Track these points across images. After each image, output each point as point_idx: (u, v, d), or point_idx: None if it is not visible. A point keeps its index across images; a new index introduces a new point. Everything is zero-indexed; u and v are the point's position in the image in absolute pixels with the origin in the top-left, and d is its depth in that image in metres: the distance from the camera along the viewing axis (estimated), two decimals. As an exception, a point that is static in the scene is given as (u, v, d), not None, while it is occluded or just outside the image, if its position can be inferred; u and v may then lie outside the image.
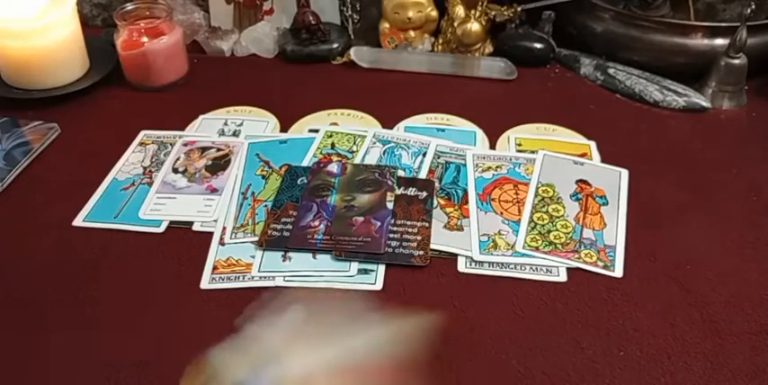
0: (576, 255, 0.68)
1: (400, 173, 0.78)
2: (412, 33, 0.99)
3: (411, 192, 0.75)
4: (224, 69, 0.99)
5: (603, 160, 0.80)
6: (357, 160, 0.80)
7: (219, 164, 0.80)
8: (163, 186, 0.77)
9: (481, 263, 0.68)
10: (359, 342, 0.41)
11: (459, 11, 0.97)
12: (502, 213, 0.73)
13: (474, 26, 0.95)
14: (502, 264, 0.68)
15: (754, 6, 0.98)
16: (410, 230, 0.70)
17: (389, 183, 0.76)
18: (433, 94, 0.93)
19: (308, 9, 0.98)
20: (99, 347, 0.61)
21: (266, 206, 0.74)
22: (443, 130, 0.85)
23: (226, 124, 0.87)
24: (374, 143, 0.83)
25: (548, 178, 0.77)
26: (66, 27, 0.90)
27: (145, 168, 0.80)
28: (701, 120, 0.88)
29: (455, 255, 0.69)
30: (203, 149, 0.82)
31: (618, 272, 0.67)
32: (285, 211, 0.73)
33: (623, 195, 0.75)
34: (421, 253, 0.68)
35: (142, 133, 0.86)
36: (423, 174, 0.78)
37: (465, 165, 0.79)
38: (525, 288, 0.66)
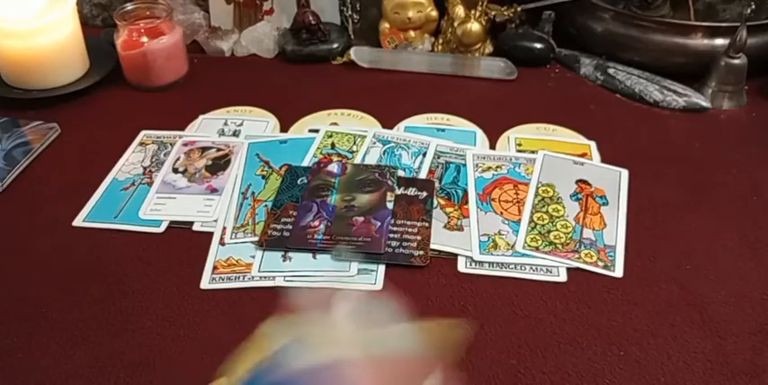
0: (576, 255, 0.68)
1: (400, 173, 0.78)
2: (412, 33, 0.99)
3: (411, 192, 0.75)
4: (224, 69, 0.99)
5: (603, 160, 0.80)
6: (357, 160, 0.80)
7: (219, 164, 0.80)
8: (163, 186, 0.77)
9: (481, 263, 0.68)
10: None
11: (459, 11, 0.97)
12: (502, 213, 0.73)
13: (474, 26, 0.95)
14: (502, 264, 0.68)
15: (754, 6, 0.98)
16: (410, 230, 0.70)
17: (389, 183, 0.76)
18: (433, 94, 0.93)
19: (308, 9, 0.98)
20: (98, 347, 0.61)
21: (266, 206, 0.74)
22: (443, 130, 0.85)
23: (226, 124, 0.87)
24: (374, 143, 0.83)
25: (548, 178, 0.77)
26: (65, 27, 0.90)
27: (145, 168, 0.80)
28: (700, 120, 0.88)
29: (455, 255, 0.69)
30: (203, 149, 0.82)
31: (618, 272, 0.67)
32: (285, 211, 0.73)
33: (623, 195, 0.75)
34: (421, 253, 0.68)
35: (142, 133, 0.86)
36: (423, 174, 0.78)
37: (465, 165, 0.79)
38: (525, 288, 0.66)
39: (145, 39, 0.91)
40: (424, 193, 0.75)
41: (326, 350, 0.40)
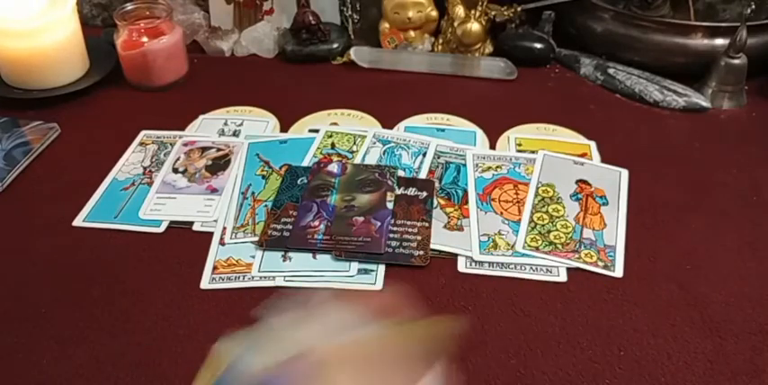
0: (576, 255, 0.68)
1: (400, 173, 0.78)
2: (412, 33, 0.99)
3: (411, 192, 0.75)
4: (224, 69, 0.99)
5: (603, 160, 0.80)
6: (357, 160, 0.80)
7: (219, 164, 0.80)
8: (163, 186, 0.77)
9: (481, 263, 0.68)
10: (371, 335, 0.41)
11: (459, 11, 0.97)
12: (502, 213, 0.73)
13: (474, 26, 0.95)
14: (502, 264, 0.68)
15: (754, 6, 0.98)
16: (410, 230, 0.70)
17: (389, 183, 0.76)
18: (433, 93, 0.93)
19: (308, 9, 0.98)
20: (98, 347, 0.61)
21: (266, 206, 0.74)
22: (443, 130, 0.85)
23: (226, 124, 0.87)
24: (374, 143, 0.83)
25: (548, 178, 0.77)
26: (66, 27, 0.90)
27: (145, 168, 0.80)
28: (700, 120, 0.88)
29: (455, 255, 0.69)
30: (203, 149, 0.82)
31: (618, 272, 0.67)
32: (285, 211, 0.73)
33: (623, 195, 0.75)
34: (421, 253, 0.68)
35: (142, 133, 0.86)
36: (423, 174, 0.78)
37: (465, 165, 0.79)
38: (525, 288, 0.66)
39: (145, 39, 0.91)
40: (424, 193, 0.75)
41: (283, 349, 0.39)
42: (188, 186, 0.77)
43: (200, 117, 0.89)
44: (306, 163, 0.80)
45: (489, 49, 0.99)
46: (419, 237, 0.70)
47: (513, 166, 0.79)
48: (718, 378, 0.58)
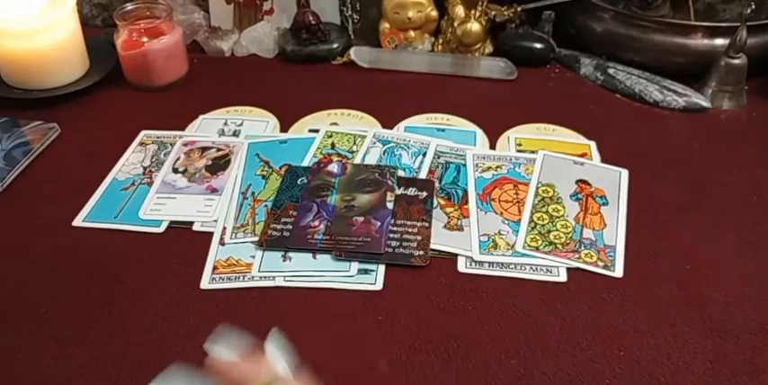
0: (576, 255, 0.68)
1: (400, 173, 0.78)
2: (412, 33, 0.99)
3: (411, 192, 0.75)
4: (224, 69, 0.99)
5: (603, 160, 0.80)
6: (357, 160, 0.80)
7: (219, 164, 0.80)
8: (163, 186, 0.77)
9: (481, 263, 0.68)
10: None
11: (459, 11, 0.97)
12: (502, 213, 0.73)
13: (474, 26, 0.95)
14: (502, 264, 0.68)
15: (754, 6, 0.98)
16: (410, 230, 0.70)
17: (389, 183, 0.76)
18: (433, 93, 0.93)
19: (308, 9, 0.98)
20: (98, 347, 0.61)
21: (266, 206, 0.74)
22: (443, 130, 0.85)
23: (226, 124, 0.87)
24: (374, 143, 0.83)
25: (548, 178, 0.77)
26: (65, 27, 0.90)
27: (145, 168, 0.80)
28: (700, 120, 0.88)
29: (455, 255, 0.69)
30: (203, 149, 0.82)
31: (618, 272, 0.67)
32: (285, 211, 0.73)
33: (623, 195, 0.75)
34: (421, 253, 0.68)
35: (142, 133, 0.86)
36: (423, 174, 0.78)
37: (465, 165, 0.79)
38: (525, 288, 0.66)
39: (145, 39, 0.91)
40: (424, 193, 0.75)
41: None
42: (188, 186, 0.77)
43: (200, 117, 0.89)
44: (306, 163, 0.80)
45: (489, 49, 0.99)
46: (419, 237, 0.70)
47: (513, 166, 0.79)
48: (718, 378, 0.58)
